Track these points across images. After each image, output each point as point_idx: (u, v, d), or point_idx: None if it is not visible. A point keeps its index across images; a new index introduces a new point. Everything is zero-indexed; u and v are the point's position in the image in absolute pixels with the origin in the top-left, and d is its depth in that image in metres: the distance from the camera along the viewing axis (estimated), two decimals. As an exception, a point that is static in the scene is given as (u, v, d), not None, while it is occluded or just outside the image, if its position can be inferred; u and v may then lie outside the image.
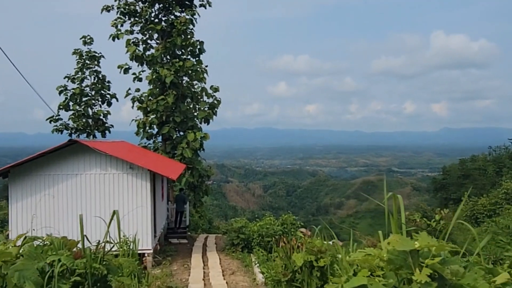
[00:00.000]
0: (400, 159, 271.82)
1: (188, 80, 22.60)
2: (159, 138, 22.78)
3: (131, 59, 21.47)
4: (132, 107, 22.48)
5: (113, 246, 6.12)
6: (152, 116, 21.38)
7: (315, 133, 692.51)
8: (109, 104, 25.32)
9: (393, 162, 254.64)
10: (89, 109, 24.57)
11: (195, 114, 23.13)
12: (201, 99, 24.16)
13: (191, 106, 23.61)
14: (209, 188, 26.44)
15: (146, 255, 13.72)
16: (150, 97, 21.93)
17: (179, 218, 19.88)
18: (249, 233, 15.90)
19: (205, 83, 24.57)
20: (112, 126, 25.08)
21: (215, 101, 24.78)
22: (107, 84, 24.95)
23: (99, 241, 5.68)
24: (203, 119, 23.11)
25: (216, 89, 25.52)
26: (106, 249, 5.43)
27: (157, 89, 21.74)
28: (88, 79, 24.53)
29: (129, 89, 22.23)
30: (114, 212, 5.73)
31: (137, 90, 22.38)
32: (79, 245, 5.22)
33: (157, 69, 21.20)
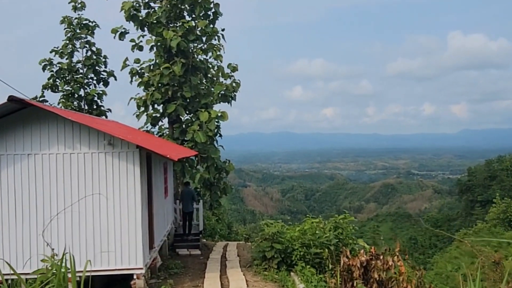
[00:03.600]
0: (419, 161, 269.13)
1: (201, 48, 17.91)
2: (165, 122, 18.10)
3: (128, 19, 16.87)
4: (131, 82, 17.87)
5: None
6: (155, 91, 16.72)
7: (332, 137, 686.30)
8: (106, 84, 20.79)
9: (413, 165, 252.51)
10: (81, 90, 20.13)
11: (211, 90, 18.42)
12: (217, 80, 19.48)
13: (205, 81, 18.91)
14: (228, 186, 21.67)
15: (134, 277, 8.97)
16: (152, 68, 17.30)
17: (188, 222, 15.12)
18: (287, 241, 11.06)
19: (221, 61, 19.91)
20: (110, 110, 20.55)
21: (234, 83, 20.08)
22: (103, 59, 20.46)
23: None
24: (220, 96, 18.37)
25: (234, 68, 20.77)
26: None
27: (161, 58, 17.09)
28: (79, 52, 20.06)
29: (127, 59, 17.65)
30: None
31: (137, 61, 17.76)
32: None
33: (161, 32, 16.59)
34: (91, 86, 20.65)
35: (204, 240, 18.57)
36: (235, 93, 20.22)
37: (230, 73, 20.48)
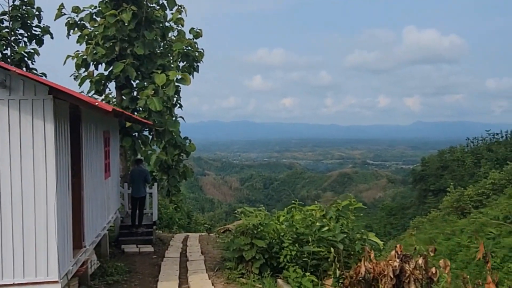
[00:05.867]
0: (374, 152, 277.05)
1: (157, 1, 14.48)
2: (113, 88, 14.54)
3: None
4: (68, 35, 14.17)
5: None
6: (97, 47, 13.17)
7: (291, 127, 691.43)
8: (40, 42, 16.85)
9: (368, 155, 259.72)
10: (8, 48, 16.16)
11: (170, 50, 15.10)
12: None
13: (162, 43, 15.53)
14: (189, 169, 18.53)
15: (44, 296, 5.76)
16: (94, 17, 13.72)
17: (138, 210, 11.84)
18: (273, 237, 8.12)
19: (182, 25, 16.63)
20: (45, 75, 16.63)
21: (197, 52, 16.84)
22: (36, 12, 16.54)
23: None
24: (181, 56, 15.11)
25: (198, 34, 17.54)
26: None
27: (107, 6, 13.53)
28: (5, 1, 16.05)
29: (62, 5, 13.92)
30: None
31: (75, 9, 14.03)
32: None
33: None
34: (20, 44, 16.71)
35: (160, 231, 15.35)
36: (198, 63, 17.05)
37: (193, 39, 17.27)
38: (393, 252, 6.02)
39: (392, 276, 5.68)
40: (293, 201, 9.80)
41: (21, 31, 16.73)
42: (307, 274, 7.02)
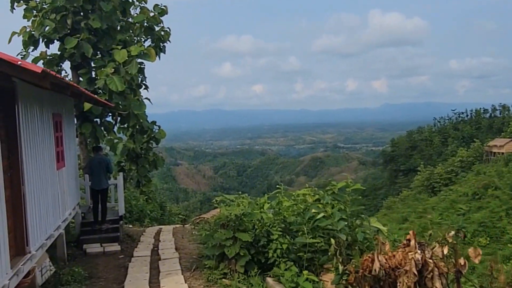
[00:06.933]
0: (345, 135, 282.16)
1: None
2: (68, 70, 12.88)
3: None
4: (12, 9, 12.42)
5: None
6: (46, 20, 11.51)
7: (263, 113, 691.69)
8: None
9: (339, 138, 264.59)
10: None
11: (129, 21, 13.53)
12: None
13: (121, 15, 13.90)
14: (159, 158, 17.04)
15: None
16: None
17: (101, 204, 10.39)
18: (257, 228, 6.92)
19: (145, 1, 14.99)
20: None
21: (162, 31, 15.27)
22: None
23: None
24: (144, 30, 13.58)
25: (163, 11, 15.89)
26: None
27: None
28: None
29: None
30: None
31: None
32: None
33: None
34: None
35: (130, 226, 13.96)
36: (164, 43, 15.50)
37: (156, 14, 15.67)
38: (410, 240, 4.92)
39: (415, 272, 4.57)
40: (277, 185, 8.61)
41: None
42: (305, 272, 5.85)
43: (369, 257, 5.54)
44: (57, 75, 4.52)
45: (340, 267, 5.75)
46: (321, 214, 6.44)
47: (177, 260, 8.27)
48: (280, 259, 6.48)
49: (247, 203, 7.19)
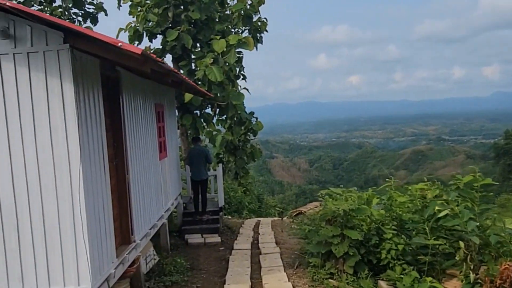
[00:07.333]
0: (450, 126, 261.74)
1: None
2: (170, 62, 13.20)
3: None
4: (119, 6, 13.03)
5: None
6: (148, 14, 11.84)
7: (359, 105, 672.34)
8: (94, 21, 15.98)
9: (443, 130, 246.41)
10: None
11: (227, 13, 13.45)
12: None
13: (219, 6, 13.85)
14: (257, 149, 16.86)
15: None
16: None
17: (201, 195, 10.39)
18: (367, 225, 6.23)
19: None
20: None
21: (259, 21, 14.99)
22: (89, -12, 15.64)
23: None
24: (242, 19, 13.41)
25: (260, 1, 15.62)
26: None
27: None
28: (56, -21, 15.28)
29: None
30: None
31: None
32: None
33: None
34: (75, 24, 15.88)
35: (228, 217, 13.98)
36: (261, 34, 15.20)
37: (254, 2, 15.41)
38: None
39: None
40: (387, 179, 7.76)
41: (75, 10, 15.93)
42: (428, 279, 5.04)
43: (508, 265, 4.60)
44: (158, 58, 4.27)
45: (472, 276, 4.86)
46: (445, 212, 5.54)
47: (278, 255, 7.87)
48: (395, 261, 5.72)
49: (356, 197, 6.50)
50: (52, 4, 15.32)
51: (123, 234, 5.94)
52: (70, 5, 15.08)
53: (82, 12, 15.88)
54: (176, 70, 5.50)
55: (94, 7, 15.96)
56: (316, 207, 14.87)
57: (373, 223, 6.30)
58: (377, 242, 6.03)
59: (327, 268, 6.22)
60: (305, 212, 14.47)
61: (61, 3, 15.34)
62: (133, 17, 12.83)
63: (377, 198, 7.10)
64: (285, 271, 6.76)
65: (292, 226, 11.32)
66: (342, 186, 8.08)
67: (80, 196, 4.29)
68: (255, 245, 9.07)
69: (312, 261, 6.51)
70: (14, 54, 4.23)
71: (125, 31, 12.69)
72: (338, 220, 6.04)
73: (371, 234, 6.14)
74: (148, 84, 7.64)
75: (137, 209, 6.34)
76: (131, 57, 4.05)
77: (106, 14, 16.20)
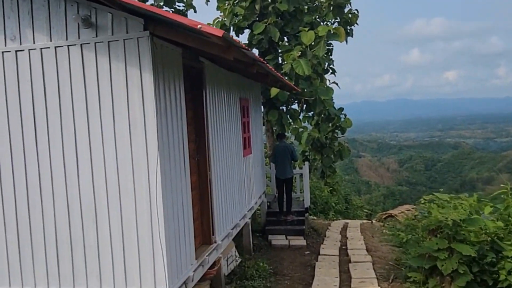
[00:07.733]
0: None
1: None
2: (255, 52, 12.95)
3: None
4: (207, 1, 13.05)
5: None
6: (235, 7, 11.63)
7: (456, 102, 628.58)
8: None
9: None
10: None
11: (315, 4, 12.79)
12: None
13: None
14: (345, 148, 16.00)
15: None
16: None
17: (286, 194, 9.91)
18: (480, 239, 5.29)
19: None
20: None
21: (350, 14, 14.15)
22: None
23: None
24: (332, 9, 12.70)
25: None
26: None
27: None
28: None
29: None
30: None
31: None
32: None
33: None
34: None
35: (314, 218, 13.35)
36: (351, 27, 14.36)
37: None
38: None
39: None
40: (501, 185, 6.64)
41: (166, 8, 16.32)
42: None
43: None
44: (241, 44, 3.85)
45: None
46: None
47: (370, 265, 7.12)
48: (517, 285, 4.75)
49: (467, 205, 5.56)
50: (145, 3, 15.80)
51: (204, 234, 5.65)
52: (161, 3, 15.41)
53: (173, 10, 16.21)
54: (261, 59, 5.05)
55: (184, 5, 16.23)
56: (408, 210, 13.68)
57: (488, 237, 5.33)
58: (494, 259, 5.07)
59: (431, 286, 5.38)
60: (395, 215, 13.37)
61: (153, 2, 15.80)
62: (221, 12, 12.74)
63: (491, 206, 6.06)
64: (379, 285, 6.02)
65: (384, 231, 10.42)
66: (441, 190, 7.14)
67: (158, 192, 4.01)
68: (343, 250, 8.38)
69: (412, 275, 5.69)
70: (95, 43, 4.06)
71: (213, 25, 12.63)
72: (445, 232, 5.18)
73: (485, 249, 5.19)
74: (233, 77, 7.31)
75: (219, 208, 6.03)
76: (213, 44, 3.67)
77: (195, 11, 16.37)
